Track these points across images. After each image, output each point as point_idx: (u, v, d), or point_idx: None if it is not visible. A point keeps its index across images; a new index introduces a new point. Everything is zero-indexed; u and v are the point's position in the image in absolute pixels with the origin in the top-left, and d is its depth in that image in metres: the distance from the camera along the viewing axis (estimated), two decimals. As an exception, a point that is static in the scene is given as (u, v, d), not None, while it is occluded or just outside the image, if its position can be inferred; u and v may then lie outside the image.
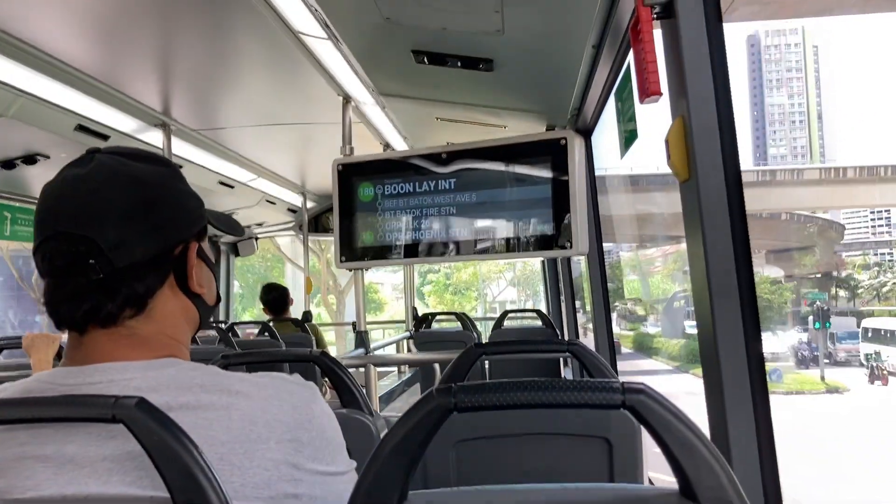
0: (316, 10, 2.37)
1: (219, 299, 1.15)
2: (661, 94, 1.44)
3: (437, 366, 4.17)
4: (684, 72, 1.40)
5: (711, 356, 1.44)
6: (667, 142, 1.46)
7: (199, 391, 0.93)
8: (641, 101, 1.47)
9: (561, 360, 4.83)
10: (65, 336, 1.02)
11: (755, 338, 1.41)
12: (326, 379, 1.92)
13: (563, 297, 5.63)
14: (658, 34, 1.50)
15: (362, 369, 3.57)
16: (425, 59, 2.64)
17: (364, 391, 2.01)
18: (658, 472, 1.60)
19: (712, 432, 1.48)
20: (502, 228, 2.75)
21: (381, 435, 1.98)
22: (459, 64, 2.63)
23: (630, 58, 2.06)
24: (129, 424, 0.79)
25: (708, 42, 1.38)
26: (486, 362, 4.50)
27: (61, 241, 0.95)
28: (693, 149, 1.40)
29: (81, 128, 3.28)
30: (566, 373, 4.98)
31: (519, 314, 6.55)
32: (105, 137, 3.45)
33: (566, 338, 5.27)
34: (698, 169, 1.40)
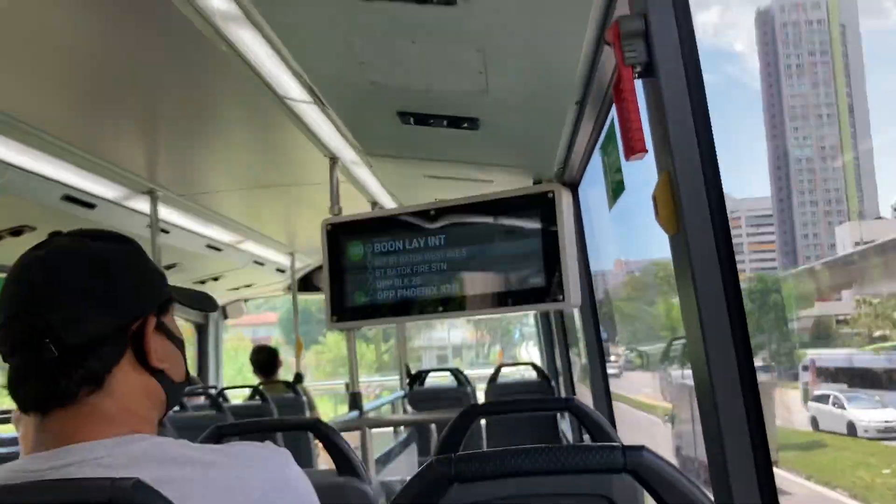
0: (301, 76, 2.40)
1: (187, 375, 1.14)
2: (646, 151, 1.46)
3: (433, 424, 4.12)
4: (668, 128, 1.41)
5: (710, 411, 1.43)
6: (654, 197, 1.47)
7: (170, 465, 0.93)
8: (627, 159, 1.49)
9: (558, 414, 4.78)
10: None
11: (752, 390, 1.40)
12: (319, 443, 1.90)
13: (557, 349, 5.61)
14: (640, 90, 1.52)
15: (357, 431, 3.52)
16: (411, 120, 2.67)
17: (360, 454, 1.98)
18: None
19: (715, 490, 1.46)
20: (494, 283, 2.74)
21: (380, 502, 1.95)
22: (445, 123, 2.66)
23: (614, 112, 2.09)
24: None
25: (689, 98, 1.40)
26: (483, 420, 4.44)
27: (17, 323, 0.97)
28: (680, 203, 1.41)
29: (68, 198, 3.28)
30: (563, 426, 4.93)
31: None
32: (91, 206, 3.44)
33: (563, 391, 5.23)
34: (686, 223, 1.41)
